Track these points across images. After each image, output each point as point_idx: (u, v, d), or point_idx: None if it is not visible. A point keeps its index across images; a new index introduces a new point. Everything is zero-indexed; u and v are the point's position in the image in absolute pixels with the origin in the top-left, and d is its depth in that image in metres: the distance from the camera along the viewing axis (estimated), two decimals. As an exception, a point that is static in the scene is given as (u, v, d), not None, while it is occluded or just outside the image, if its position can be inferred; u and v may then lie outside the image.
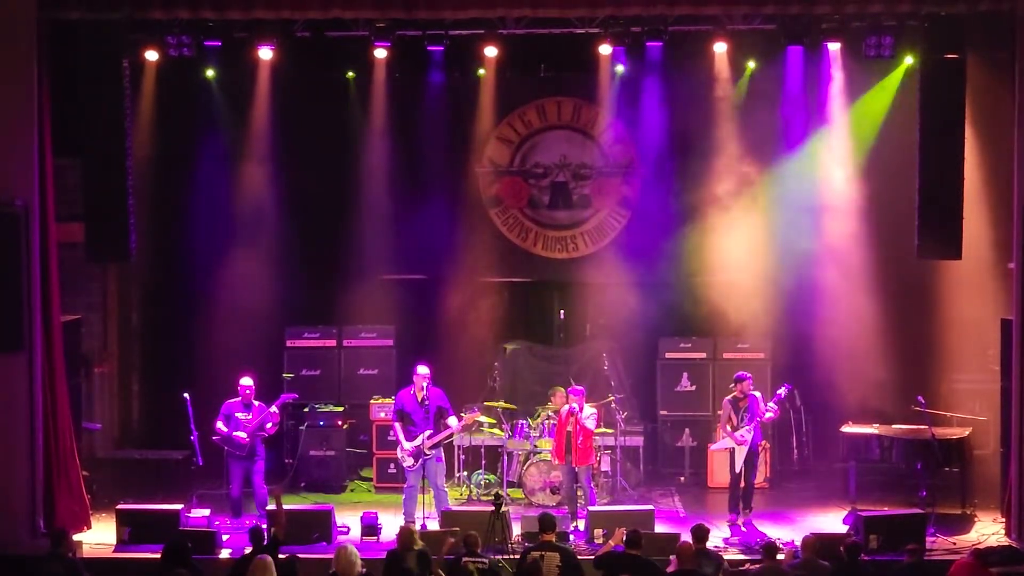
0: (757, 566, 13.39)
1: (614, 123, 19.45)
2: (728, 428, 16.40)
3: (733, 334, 18.86)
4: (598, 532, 15.41)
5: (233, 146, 18.90)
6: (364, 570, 12.40)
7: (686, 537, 13.67)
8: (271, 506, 14.56)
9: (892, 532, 15.11)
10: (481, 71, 18.63)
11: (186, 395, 16.61)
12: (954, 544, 15.58)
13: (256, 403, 16.51)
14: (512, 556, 14.05)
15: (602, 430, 17.13)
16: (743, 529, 16.02)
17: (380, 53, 17.59)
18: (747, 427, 16.26)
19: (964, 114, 16.28)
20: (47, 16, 15.80)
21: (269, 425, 16.49)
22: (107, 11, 15.87)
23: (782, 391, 16.56)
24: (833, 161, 18.42)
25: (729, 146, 18.53)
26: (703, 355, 19.04)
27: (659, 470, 18.77)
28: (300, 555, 13.27)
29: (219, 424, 16.39)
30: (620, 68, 18.49)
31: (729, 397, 16.55)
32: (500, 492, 16.16)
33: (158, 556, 12.69)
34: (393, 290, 19.34)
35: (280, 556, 12.36)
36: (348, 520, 16.27)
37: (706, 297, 18.84)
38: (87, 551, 15.31)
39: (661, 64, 18.23)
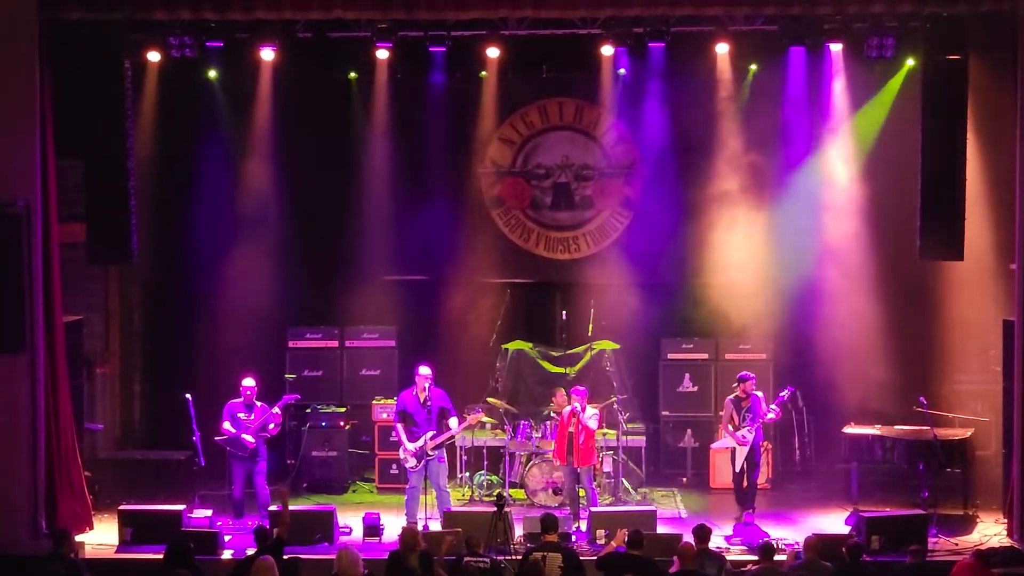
0: (754, 567, 13.40)
1: (616, 124, 19.46)
2: (730, 428, 16.42)
3: (735, 335, 18.87)
4: (600, 533, 15.41)
5: (235, 147, 18.91)
6: (366, 571, 12.38)
7: (688, 538, 13.68)
8: (275, 506, 14.55)
9: (894, 533, 15.10)
10: (483, 72, 18.63)
11: (188, 396, 16.60)
12: (956, 545, 15.57)
13: (258, 403, 16.51)
14: (514, 557, 14.02)
15: (603, 431, 17.13)
16: (746, 526, 16.03)
17: (382, 54, 17.59)
18: (749, 427, 16.27)
19: (966, 115, 16.27)
20: (48, 16, 15.80)
21: (272, 426, 16.48)
22: (108, 12, 15.87)
23: (785, 393, 16.58)
24: (835, 162, 18.41)
25: (731, 147, 18.53)
26: (705, 356, 19.05)
27: (661, 471, 18.76)
28: (302, 556, 13.26)
29: (226, 424, 16.37)
30: (622, 71, 18.50)
31: (731, 397, 16.57)
32: (502, 493, 16.17)
33: (160, 557, 12.67)
34: (395, 291, 19.34)
35: (283, 557, 12.35)
36: (350, 521, 16.27)
37: (708, 298, 18.84)
38: (89, 552, 15.31)
39: (663, 65, 18.26)
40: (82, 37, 16.14)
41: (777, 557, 13.52)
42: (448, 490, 16.54)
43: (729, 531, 16.03)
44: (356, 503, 17.66)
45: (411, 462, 16.18)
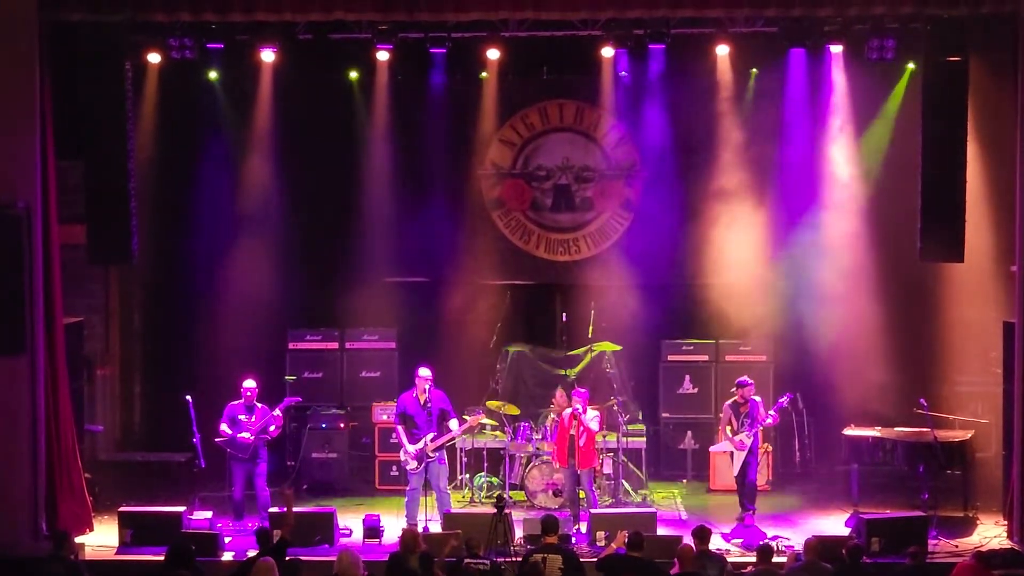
0: (752, 569, 13.39)
1: (616, 125, 19.45)
2: (728, 432, 16.42)
3: (735, 336, 18.87)
4: (600, 534, 15.40)
5: (235, 148, 18.91)
6: (366, 573, 12.38)
7: (688, 540, 13.67)
8: (276, 508, 14.54)
9: (894, 535, 15.10)
10: (483, 73, 18.63)
11: (188, 397, 16.60)
12: (956, 547, 15.56)
13: (259, 405, 16.50)
14: (514, 558, 14.02)
15: (604, 434, 17.11)
16: (746, 527, 16.03)
17: (382, 55, 17.61)
18: (747, 432, 16.27)
19: (966, 116, 16.28)
20: (48, 18, 15.78)
21: (272, 428, 16.48)
22: (108, 13, 15.86)
23: (784, 400, 16.55)
24: (835, 163, 18.40)
25: (731, 148, 18.54)
26: (705, 357, 19.05)
27: (661, 472, 18.75)
28: (302, 557, 13.24)
29: (223, 426, 16.38)
30: (622, 72, 18.50)
31: (730, 401, 16.56)
32: (502, 494, 16.16)
33: (160, 558, 12.68)
34: (395, 292, 19.33)
35: (286, 559, 12.35)
36: (350, 522, 16.26)
37: (708, 299, 18.84)
38: (89, 553, 15.30)
39: (663, 67, 18.27)
40: (82, 38, 16.14)
41: (776, 559, 13.52)
42: (448, 492, 16.53)
43: (728, 531, 16.04)
44: (356, 504, 17.60)
45: (411, 464, 16.17)
